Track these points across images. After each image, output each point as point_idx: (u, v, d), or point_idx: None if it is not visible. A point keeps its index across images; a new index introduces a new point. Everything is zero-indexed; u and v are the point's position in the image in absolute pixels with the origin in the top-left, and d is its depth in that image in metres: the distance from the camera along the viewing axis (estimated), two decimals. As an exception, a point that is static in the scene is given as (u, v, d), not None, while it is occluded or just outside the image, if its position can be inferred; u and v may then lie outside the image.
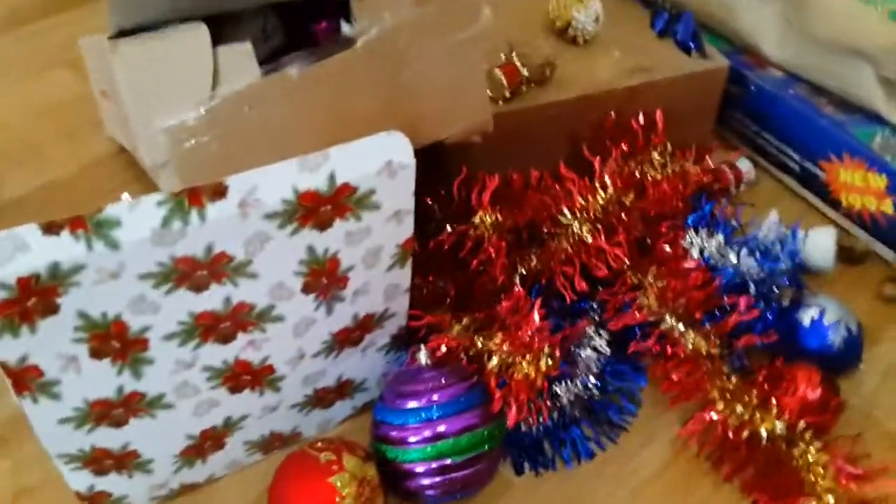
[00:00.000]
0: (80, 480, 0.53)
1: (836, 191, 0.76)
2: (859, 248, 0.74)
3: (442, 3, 0.58)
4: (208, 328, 0.49)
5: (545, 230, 0.67)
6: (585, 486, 0.61)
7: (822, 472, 0.56)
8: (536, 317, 0.58)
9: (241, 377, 0.53)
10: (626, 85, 0.73)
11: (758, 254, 0.66)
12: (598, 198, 0.66)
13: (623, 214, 0.66)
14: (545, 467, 0.61)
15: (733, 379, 0.61)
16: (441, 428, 0.55)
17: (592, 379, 0.64)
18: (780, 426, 0.58)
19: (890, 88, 0.73)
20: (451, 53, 0.58)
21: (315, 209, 0.47)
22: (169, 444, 0.55)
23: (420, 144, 0.59)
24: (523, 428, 0.61)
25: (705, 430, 0.61)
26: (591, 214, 0.65)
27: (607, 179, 0.66)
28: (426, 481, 0.55)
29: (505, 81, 0.70)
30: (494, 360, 0.58)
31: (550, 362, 0.58)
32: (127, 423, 0.51)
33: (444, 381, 0.56)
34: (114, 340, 0.47)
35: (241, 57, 0.59)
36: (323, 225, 0.49)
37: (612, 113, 0.72)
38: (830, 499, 0.55)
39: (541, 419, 0.61)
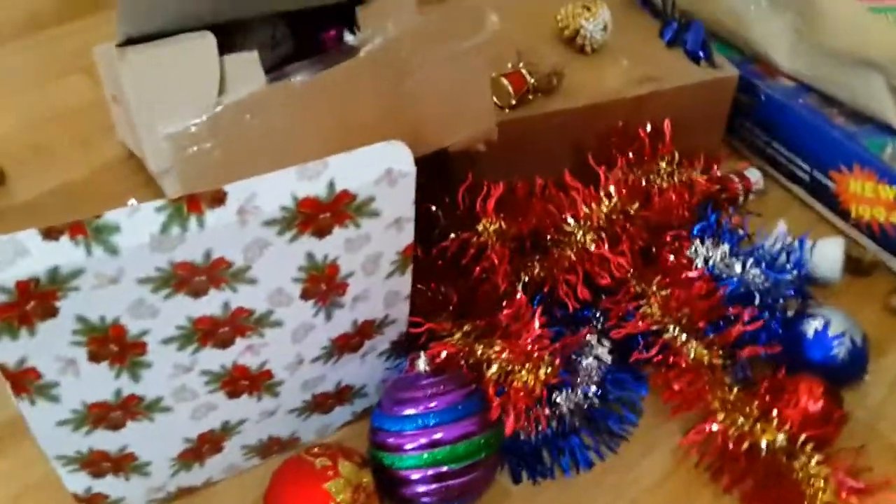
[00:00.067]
0: (78, 482, 0.54)
1: (846, 201, 0.76)
2: (868, 259, 0.73)
3: (446, 12, 0.58)
4: (207, 333, 0.50)
5: (549, 238, 0.67)
6: (584, 496, 0.60)
7: (822, 484, 0.56)
8: (537, 325, 0.58)
9: (239, 382, 0.54)
10: (634, 94, 0.72)
11: (763, 264, 0.66)
12: (603, 206, 0.66)
13: (627, 223, 0.66)
14: (543, 476, 0.61)
15: (735, 390, 0.61)
16: (438, 435, 0.55)
17: (593, 388, 0.64)
18: (781, 438, 0.57)
19: (901, 99, 0.73)
20: (455, 62, 0.58)
21: (314, 216, 0.48)
22: (166, 447, 0.55)
23: (423, 152, 0.60)
24: (522, 436, 0.61)
25: (705, 441, 0.60)
26: (595, 223, 0.65)
27: (612, 188, 0.66)
28: (422, 488, 0.55)
29: (511, 89, 0.70)
30: (494, 368, 0.58)
31: (550, 371, 0.57)
32: (125, 425, 0.52)
33: (442, 389, 0.56)
34: (112, 344, 0.47)
35: (247, 65, 0.59)
36: (322, 232, 0.49)
37: (619, 122, 0.72)
38: (830, 511, 0.55)
39: (539, 427, 0.61)
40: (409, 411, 0.56)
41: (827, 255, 0.70)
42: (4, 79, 0.94)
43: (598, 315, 0.67)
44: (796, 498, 0.56)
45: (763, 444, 0.58)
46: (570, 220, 0.65)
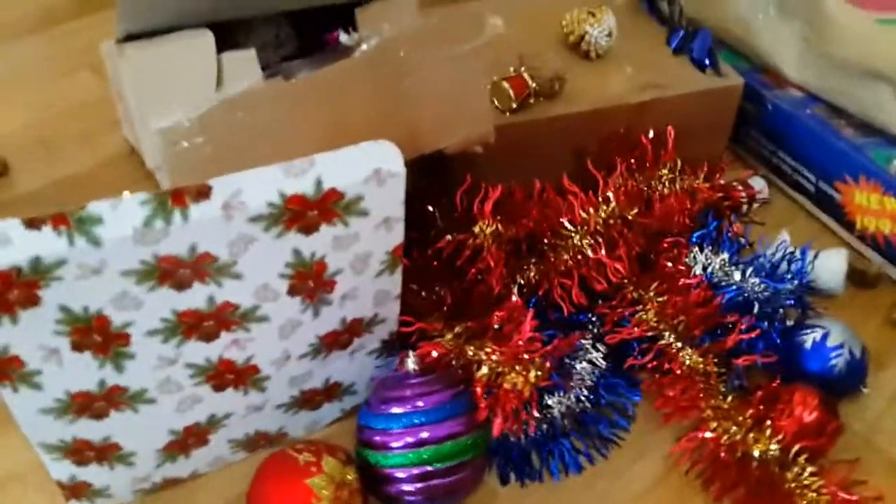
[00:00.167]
0: (62, 470, 0.54)
1: (851, 213, 0.74)
2: (872, 271, 0.72)
3: (445, 15, 0.58)
4: (191, 326, 0.50)
5: (545, 242, 0.66)
6: (573, 500, 0.60)
7: (815, 496, 0.55)
8: (528, 327, 0.58)
9: (224, 375, 0.54)
10: (637, 100, 0.72)
11: (763, 273, 0.65)
12: (601, 211, 0.65)
13: (625, 229, 0.65)
14: (531, 479, 0.60)
15: (729, 398, 0.60)
16: (424, 434, 0.55)
17: (585, 392, 0.63)
18: (773, 448, 0.57)
19: (910, 111, 0.72)
20: (453, 64, 0.58)
21: (301, 213, 0.48)
22: (151, 438, 0.55)
23: (419, 153, 0.60)
24: (511, 438, 0.61)
25: (697, 448, 0.59)
26: (593, 228, 0.65)
27: (610, 194, 0.65)
28: (407, 487, 0.55)
29: (512, 93, 0.69)
30: (484, 370, 0.58)
31: (539, 373, 0.57)
32: (108, 415, 0.52)
33: (429, 388, 0.56)
34: (95, 334, 0.47)
35: (245, 63, 0.59)
36: (309, 229, 0.49)
37: (621, 128, 0.71)
38: (821, 524, 0.54)
39: (528, 430, 0.60)
40: (396, 410, 0.55)
41: (830, 267, 0.69)
42: (17, 73, 0.95)
43: (593, 320, 0.66)
44: (788, 509, 0.55)
45: (755, 454, 0.57)
46: (568, 225, 0.65)
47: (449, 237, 0.65)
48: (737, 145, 0.84)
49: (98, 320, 0.47)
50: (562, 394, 0.63)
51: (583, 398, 0.63)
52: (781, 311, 0.65)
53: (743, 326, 0.61)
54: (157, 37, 0.58)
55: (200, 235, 0.46)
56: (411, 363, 0.58)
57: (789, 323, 0.65)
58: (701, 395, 0.60)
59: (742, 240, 0.69)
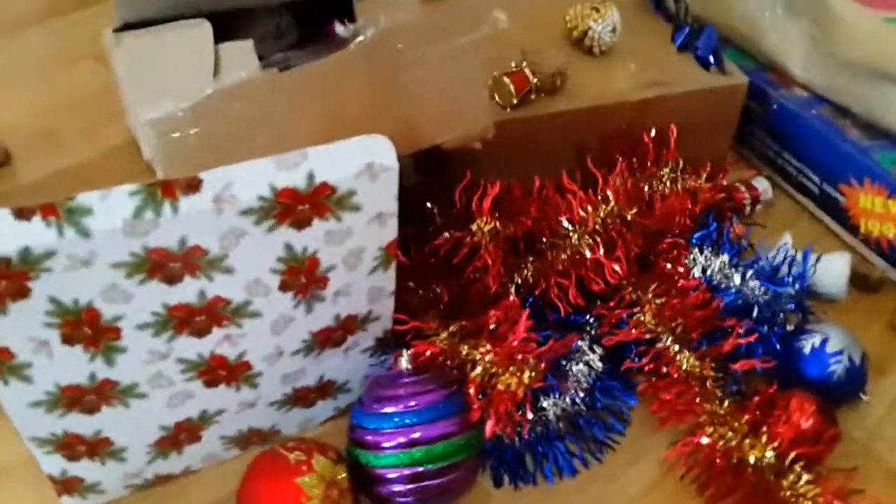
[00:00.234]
0: (53, 464, 0.54)
1: (856, 216, 0.73)
2: (875, 275, 0.71)
3: (445, 8, 0.57)
4: (182, 321, 0.49)
5: (544, 240, 0.66)
6: (567, 503, 0.59)
7: (810, 504, 0.54)
8: (523, 327, 0.57)
9: (216, 371, 0.53)
10: (639, 97, 0.71)
11: (763, 276, 0.64)
12: (600, 211, 0.64)
13: (624, 229, 0.64)
14: (525, 481, 0.60)
15: (725, 403, 0.59)
16: (416, 434, 0.54)
17: (581, 394, 0.63)
18: (769, 454, 0.56)
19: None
20: (452, 58, 0.57)
21: (292, 207, 0.47)
22: (142, 433, 0.55)
23: (416, 148, 0.59)
24: (505, 439, 0.60)
25: (692, 453, 0.59)
26: (591, 227, 0.64)
27: (609, 192, 0.64)
28: (398, 488, 0.54)
29: (513, 89, 0.68)
30: (478, 370, 0.57)
31: (534, 375, 0.56)
32: (99, 410, 0.52)
33: (422, 388, 0.56)
34: (86, 327, 0.47)
35: (242, 53, 0.59)
36: (301, 223, 0.48)
37: (623, 125, 0.71)
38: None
39: (522, 432, 0.60)
40: (389, 409, 0.55)
41: (832, 271, 0.68)
42: (21, 64, 0.95)
43: (591, 321, 0.66)
44: (783, 516, 0.54)
45: (751, 460, 0.56)
46: (566, 223, 0.64)
47: (446, 235, 0.65)
48: (741, 145, 0.83)
49: (88, 313, 0.46)
50: (557, 396, 0.62)
51: (578, 401, 0.62)
52: (781, 315, 0.64)
53: (741, 330, 0.61)
54: (154, 26, 0.58)
55: (190, 228, 0.45)
56: (404, 362, 0.57)
57: (789, 327, 0.64)
58: (697, 399, 0.60)
59: (743, 242, 0.68)
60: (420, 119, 0.58)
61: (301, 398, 0.60)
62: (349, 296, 0.54)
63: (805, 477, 0.55)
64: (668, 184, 0.69)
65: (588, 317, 0.66)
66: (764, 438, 0.56)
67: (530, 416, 0.59)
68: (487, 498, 0.59)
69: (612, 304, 0.64)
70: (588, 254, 0.64)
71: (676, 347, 0.62)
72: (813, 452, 0.56)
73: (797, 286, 0.64)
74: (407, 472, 0.54)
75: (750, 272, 0.64)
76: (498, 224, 0.65)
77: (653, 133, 0.70)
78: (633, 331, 0.63)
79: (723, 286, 0.64)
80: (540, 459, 0.60)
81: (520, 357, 0.56)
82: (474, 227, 0.65)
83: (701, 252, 0.65)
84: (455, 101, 0.59)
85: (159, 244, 0.45)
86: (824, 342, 0.61)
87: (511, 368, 0.56)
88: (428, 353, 0.57)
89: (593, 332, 0.65)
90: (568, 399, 0.62)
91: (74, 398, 0.50)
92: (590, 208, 0.64)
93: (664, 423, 0.60)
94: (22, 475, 0.58)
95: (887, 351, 0.67)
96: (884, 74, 0.70)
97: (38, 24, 1.02)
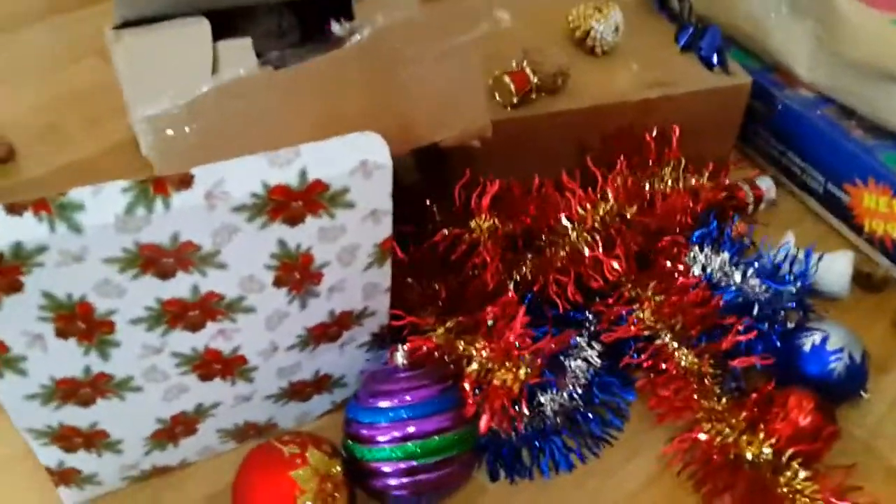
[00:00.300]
0: (50, 456, 0.54)
1: (860, 215, 0.73)
2: (879, 274, 0.71)
3: (442, 6, 0.57)
4: (176, 315, 0.50)
5: (543, 238, 0.65)
6: (563, 498, 0.59)
7: (808, 501, 0.54)
8: (519, 323, 0.57)
9: (211, 365, 0.54)
10: (641, 97, 0.71)
11: (764, 274, 0.64)
12: (599, 209, 0.64)
13: (623, 227, 0.64)
14: (521, 476, 0.60)
15: (723, 400, 0.59)
16: (411, 429, 0.54)
17: (579, 390, 0.63)
18: (766, 451, 0.56)
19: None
20: (449, 56, 0.57)
21: (285, 204, 0.47)
22: (138, 426, 0.55)
23: (413, 146, 0.59)
24: (502, 434, 0.60)
25: (690, 449, 0.59)
26: (590, 225, 0.64)
27: (609, 191, 0.64)
28: (393, 482, 0.55)
29: (513, 88, 0.68)
30: (474, 365, 0.57)
31: (529, 370, 0.56)
32: (94, 402, 0.52)
33: (418, 383, 0.56)
34: (79, 321, 0.47)
35: (240, 51, 0.59)
36: (294, 220, 0.48)
37: (625, 125, 0.70)
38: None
39: (517, 427, 0.60)
40: (384, 404, 0.55)
41: (835, 269, 0.68)
42: (25, 60, 0.96)
43: (590, 317, 0.66)
44: (780, 513, 0.54)
45: (748, 457, 0.56)
46: (565, 221, 0.64)
47: (445, 231, 0.65)
48: (745, 144, 0.82)
49: (81, 307, 0.47)
50: (555, 391, 0.62)
51: (576, 396, 0.62)
52: (782, 313, 0.64)
53: (741, 328, 0.60)
54: (153, 24, 0.58)
55: (183, 224, 0.45)
56: (400, 357, 0.57)
57: (790, 325, 0.64)
58: (695, 396, 0.59)
59: (745, 240, 0.67)
60: (417, 117, 0.58)
61: (297, 392, 0.60)
62: (344, 292, 0.54)
63: (802, 474, 0.55)
64: (669, 182, 0.69)
65: (587, 313, 0.65)
66: (761, 435, 0.56)
67: (525, 412, 0.58)
68: (483, 492, 0.59)
69: (610, 300, 0.64)
70: (587, 251, 0.63)
71: (675, 344, 0.61)
72: (811, 449, 0.55)
73: (798, 284, 0.64)
74: (402, 465, 0.54)
75: (751, 270, 0.64)
76: (497, 221, 0.65)
77: (655, 133, 0.69)
78: (632, 327, 0.62)
79: (723, 284, 0.64)
80: (537, 454, 0.60)
81: (516, 353, 0.57)
82: (473, 225, 0.65)
83: (701, 250, 0.65)
84: (452, 99, 0.59)
85: (151, 240, 0.45)
86: (825, 340, 0.60)
87: (507, 364, 0.57)
88: (424, 348, 0.58)
89: (592, 329, 0.65)
90: (566, 394, 0.62)
91: (69, 391, 0.51)
92: (589, 206, 0.64)
93: (662, 419, 0.60)
94: (21, 467, 0.58)
95: (890, 349, 0.67)
96: (889, 75, 0.69)
97: (41, 21, 1.02)
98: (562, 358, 0.63)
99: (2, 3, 1.06)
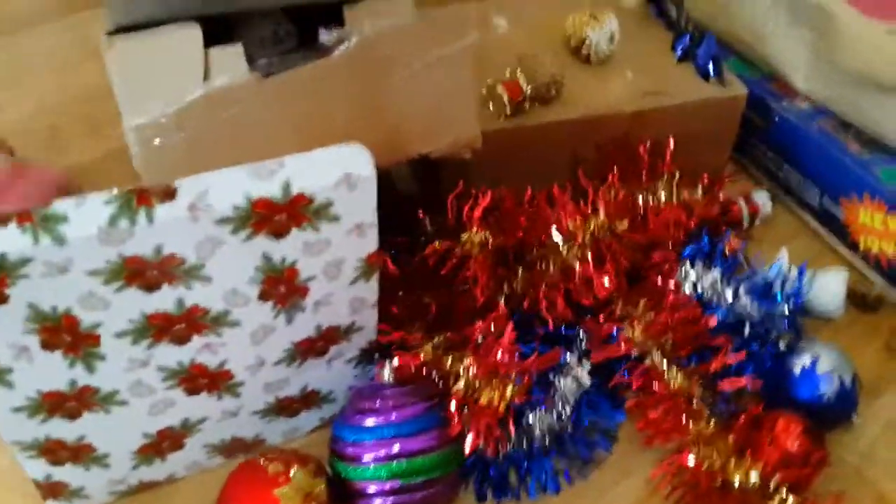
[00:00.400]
0: (37, 469, 0.54)
1: (855, 232, 0.72)
2: (874, 294, 0.70)
3: (431, 16, 0.57)
4: (161, 328, 0.49)
5: (534, 251, 0.65)
6: (550, 521, 0.59)
7: (796, 528, 0.53)
8: (506, 340, 0.57)
9: (197, 380, 0.53)
10: (634, 108, 0.70)
11: (756, 293, 0.63)
12: (590, 223, 0.64)
13: (613, 242, 0.64)
14: (508, 497, 0.59)
15: (712, 422, 0.58)
16: (396, 447, 0.54)
17: (568, 410, 0.62)
18: (754, 476, 0.55)
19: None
20: (438, 66, 0.56)
21: (269, 217, 0.47)
22: (125, 440, 0.55)
23: (401, 157, 0.59)
24: (489, 454, 0.59)
25: (678, 472, 0.58)
26: (581, 240, 0.63)
27: (599, 205, 0.64)
28: (379, 501, 0.54)
29: (506, 97, 0.68)
30: (461, 383, 0.57)
31: (516, 390, 0.56)
32: (80, 416, 0.52)
33: (404, 400, 0.55)
34: (64, 334, 0.47)
35: (231, 58, 0.59)
36: (278, 233, 0.48)
37: (619, 135, 0.70)
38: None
39: (509, 447, 0.59)
40: (370, 422, 0.55)
41: (828, 288, 0.67)
42: (31, 62, 0.96)
43: (580, 334, 0.65)
44: (767, 539, 0.54)
45: (736, 482, 0.55)
46: (556, 235, 0.64)
47: (436, 245, 0.64)
48: (742, 156, 0.82)
49: (67, 319, 0.47)
50: (543, 410, 0.61)
51: (564, 417, 0.61)
52: (774, 333, 0.63)
53: (731, 349, 0.60)
54: (145, 30, 0.58)
55: (166, 236, 0.45)
56: (387, 374, 0.57)
57: (782, 346, 0.63)
58: (684, 417, 0.59)
59: (737, 256, 0.67)
60: (405, 127, 0.58)
61: (285, 408, 0.59)
62: (330, 306, 0.54)
63: (791, 499, 0.54)
64: (662, 196, 0.68)
65: (577, 329, 0.65)
66: (749, 460, 0.55)
67: (512, 431, 0.58)
68: (470, 512, 0.59)
69: (601, 317, 0.64)
70: (577, 267, 0.63)
71: (665, 364, 0.61)
72: (799, 475, 0.55)
73: (791, 304, 0.63)
74: (388, 485, 0.54)
75: (742, 289, 0.63)
76: (488, 235, 0.64)
77: (648, 145, 0.69)
78: (622, 346, 0.62)
79: (714, 302, 0.63)
80: (524, 475, 0.60)
81: (503, 371, 0.56)
82: (464, 238, 0.64)
83: (692, 266, 0.64)
84: (442, 109, 0.58)
85: (135, 252, 0.45)
86: (815, 363, 0.60)
87: (493, 382, 0.56)
88: (412, 365, 0.57)
89: (582, 346, 0.64)
90: (554, 414, 0.61)
91: (56, 404, 0.51)
92: (579, 221, 0.63)
93: (650, 441, 0.60)
94: (8, 479, 0.58)
95: (882, 372, 0.66)
96: (884, 85, 0.69)
97: (48, 23, 1.02)
98: (551, 376, 0.63)
99: (5, 4, 1.06)
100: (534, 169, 0.68)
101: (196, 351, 0.52)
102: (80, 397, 0.51)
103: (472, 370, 0.56)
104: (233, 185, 0.46)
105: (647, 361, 0.61)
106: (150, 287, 0.47)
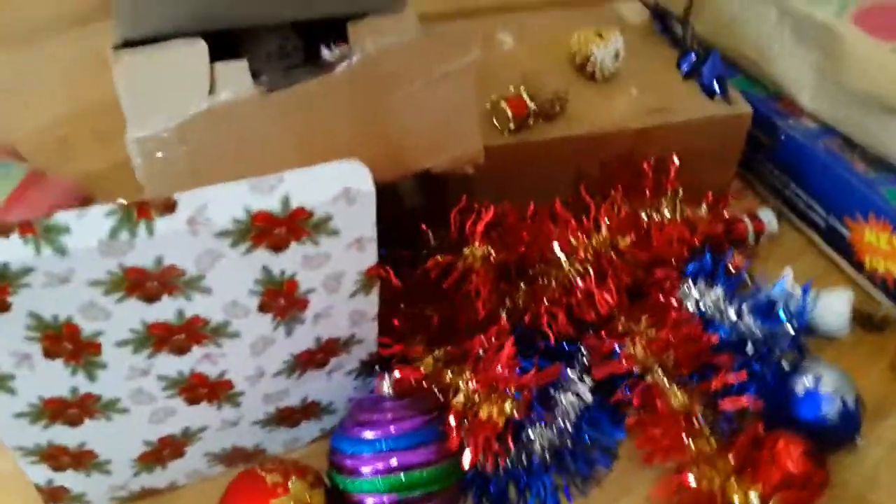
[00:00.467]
0: (39, 474, 0.55)
1: (860, 251, 0.72)
2: (880, 314, 0.70)
3: (432, 34, 0.58)
4: (162, 338, 0.50)
5: (536, 266, 0.65)
6: (548, 537, 0.58)
7: (795, 552, 0.53)
8: (506, 355, 0.57)
9: (197, 389, 0.54)
10: (638, 125, 0.70)
11: (759, 312, 0.63)
12: (592, 240, 0.64)
13: (616, 258, 0.64)
14: (507, 512, 0.59)
15: (712, 442, 0.58)
16: (394, 461, 0.54)
17: (568, 426, 0.62)
18: (753, 497, 0.55)
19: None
20: (440, 82, 0.57)
21: (269, 230, 0.47)
22: (126, 447, 0.55)
23: (403, 172, 0.59)
24: (488, 469, 0.59)
25: (678, 491, 0.58)
26: (582, 256, 0.63)
27: (602, 221, 0.64)
28: (376, 514, 0.54)
29: (510, 114, 0.68)
30: (460, 397, 0.57)
31: (515, 405, 0.56)
32: (82, 422, 0.52)
33: (403, 413, 0.56)
34: (66, 342, 0.48)
35: (236, 73, 0.59)
36: (278, 246, 0.49)
37: (623, 152, 0.70)
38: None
39: (508, 462, 0.59)
40: (368, 434, 0.55)
41: (833, 308, 0.67)
42: (44, 72, 0.97)
43: (582, 350, 0.65)
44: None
45: (735, 501, 0.55)
46: (558, 251, 0.64)
47: (438, 258, 0.65)
48: (749, 173, 0.82)
49: (68, 328, 0.47)
50: (543, 426, 0.61)
51: (565, 432, 0.61)
52: (777, 352, 0.63)
53: (733, 368, 0.59)
54: (152, 44, 0.59)
55: (166, 248, 0.46)
56: (386, 386, 0.57)
57: (785, 364, 0.62)
58: (684, 436, 0.58)
59: (741, 274, 0.66)
60: (408, 143, 0.58)
61: (285, 418, 0.60)
62: (330, 319, 0.55)
63: (791, 521, 0.54)
64: (666, 213, 0.68)
65: (579, 345, 0.65)
66: (749, 480, 0.55)
67: (511, 447, 0.58)
68: (468, 527, 0.59)
69: (603, 332, 0.64)
70: (579, 283, 0.63)
71: (666, 382, 0.61)
72: (799, 497, 0.54)
73: (794, 324, 0.63)
74: (385, 499, 0.54)
75: (745, 307, 0.63)
76: (490, 249, 0.65)
77: (652, 161, 0.69)
78: (624, 362, 0.62)
79: (717, 321, 0.63)
80: (523, 490, 0.60)
81: (502, 386, 0.56)
82: (466, 252, 0.64)
83: (694, 284, 0.64)
84: (443, 125, 0.59)
85: (136, 263, 0.46)
86: (817, 383, 0.59)
87: (492, 397, 0.56)
88: (411, 378, 0.57)
89: (584, 362, 0.64)
90: (555, 429, 0.61)
91: (57, 410, 0.51)
92: (581, 236, 0.64)
93: (650, 459, 0.59)
94: (10, 484, 0.59)
95: (888, 393, 0.66)
96: (890, 106, 0.69)
97: (61, 34, 1.03)
98: (552, 391, 0.63)
99: (19, 16, 1.08)
100: (538, 185, 0.68)
101: (196, 361, 0.52)
102: (81, 404, 0.52)
103: (472, 384, 0.57)
104: (233, 199, 0.46)
105: (649, 378, 0.61)
106: (151, 298, 0.48)
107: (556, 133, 0.69)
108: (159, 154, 0.50)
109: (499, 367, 0.57)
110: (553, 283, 0.64)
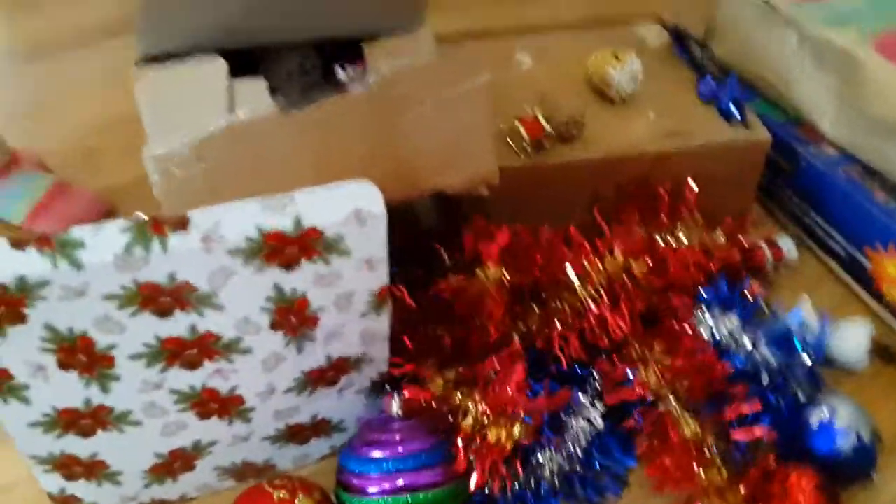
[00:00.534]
0: (52, 482, 0.55)
1: (880, 282, 0.71)
2: (899, 347, 0.69)
3: (445, 56, 0.58)
4: (174, 353, 0.51)
5: (550, 290, 0.65)
6: (555, 563, 0.58)
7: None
8: (516, 380, 0.57)
9: (209, 404, 0.54)
10: (655, 149, 0.70)
11: (775, 342, 0.62)
12: (606, 264, 0.64)
13: (630, 284, 0.63)
14: (513, 536, 0.59)
15: (724, 472, 0.57)
16: (401, 482, 0.54)
17: (579, 451, 0.61)
18: (763, 531, 0.54)
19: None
20: (454, 103, 0.57)
21: (280, 249, 0.48)
22: (137, 459, 0.56)
23: (417, 193, 0.60)
24: (495, 492, 0.59)
25: (688, 523, 0.57)
26: (595, 281, 0.63)
27: (616, 247, 0.63)
28: (382, 534, 0.54)
29: (526, 136, 0.69)
30: (469, 420, 0.57)
31: (523, 429, 0.56)
32: (95, 433, 0.53)
33: (411, 434, 0.56)
34: (80, 354, 0.49)
35: (255, 91, 0.60)
36: (289, 265, 0.49)
37: (640, 176, 0.70)
38: None
39: (517, 485, 0.59)
40: (376, 454, 0.55)
41: (851, 340, 0.66)
42: (70, 85, 0.99)
43: (595, 375, 0.65)
44: None
45: (746, 534, 0.54)
46: (571, 276, 0.64)
47: (452, 279, 0.65)
48: (769, 199, 0.81)
49: (82, 341, 0.48)
50: (553, 450, 0.61)
51: (575, 458, 0.61)
52: (792, 383, 0.62)
53: (747, 398, 0.59)
54: (173, 61, 0.60)
55: (179, 265, 0.47)
56: (395, 407, 0.57)
57: (800, 396, 0.62)
58: (696, 465, 0.58)
59: (758, 302, 0.66)
60: (421, 163, 0.58)
61: (295, 435, 0.60)
62: (341, 337, 0.55)
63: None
64: (682, 238, 0.68)
65: (592, 370, 0.64)
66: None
67: (519, 471, 0.57)
68: (474, 550, 0.59)
69: (616, 358, 0.63)
70: (592, 307, 0.63)
71: (679, 410, 0.60)
72: (810, 531, 0.54)
73: (811, 354, 0.62)
74: (391, 519, 0.54)
75: (761, 336, 0.62)
76: (504, 272, 0.65)
77: (669, 186, 0.68)
78: (637, 390, 0.61)
79: (731, 349, 0.62)
80: (531, 516, 0.59)
81: (510, 410, 0.56)
82: (480, 274, 0.64)
83: (710, 311, 0.64)
84: (457, 146, 0.59)
85: (150, 279, 0.47)
86: (833, 416, 0.58)
87: (501, 420, 0.56)
88: (421, 399, 0.57)
89: (597, 387, 0.64)
90: (564, 454, 0.61)
91: (70, 421, 0.52)
92: (595, 260, 0.63)
93: (660, 488, 0.59)
94: (24, 492, 0.60)
95: (906, 427, 0.64)
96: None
97: (86, 47, 1.05)
98: (563, 416, 0.62)
99: (48, 28, 1.10)
100: (553, 207, 0.68)
101: (208, 376, 0.53)
102: (94, 415, 0.52)
103: (481, 406, 0.56)
104: (245, 218, 0.47)
105: (661, 406, 0.61)
106: (164, 312, 0.49)
107: (572, 156, 0.69)
108: (176, 171, 0.51)
109: (509, 390, 0.57)
110: (566, 307, 0.63)
